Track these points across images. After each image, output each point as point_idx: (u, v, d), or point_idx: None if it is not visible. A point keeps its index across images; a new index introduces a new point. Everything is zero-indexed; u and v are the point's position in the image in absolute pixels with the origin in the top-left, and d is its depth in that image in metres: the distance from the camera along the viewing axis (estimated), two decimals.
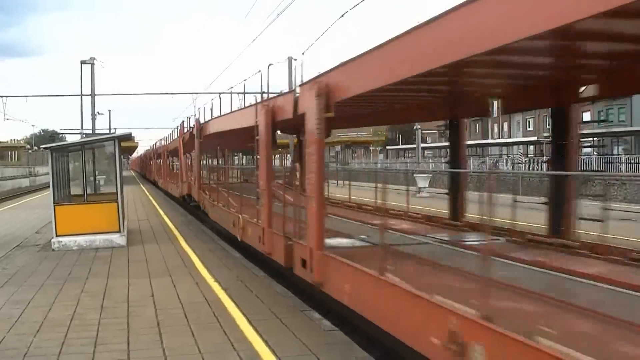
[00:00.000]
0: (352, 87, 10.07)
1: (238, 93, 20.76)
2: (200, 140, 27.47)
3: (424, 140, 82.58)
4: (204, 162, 40.34)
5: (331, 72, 10.60)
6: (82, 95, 47.76)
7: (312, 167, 11.11)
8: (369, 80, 9.36)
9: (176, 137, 40.67)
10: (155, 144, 71.77)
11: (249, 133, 16.99)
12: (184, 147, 35.30)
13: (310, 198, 11.18)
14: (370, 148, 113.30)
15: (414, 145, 66.24)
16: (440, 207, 17.32)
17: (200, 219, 27.83)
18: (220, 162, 42.29)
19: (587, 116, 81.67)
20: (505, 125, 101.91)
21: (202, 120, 27.75)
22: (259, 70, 16.36)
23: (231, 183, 28.85)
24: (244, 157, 63.91)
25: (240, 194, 18.73)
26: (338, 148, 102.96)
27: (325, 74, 10.74)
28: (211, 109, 27.06)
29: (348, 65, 9.91)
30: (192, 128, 29.78)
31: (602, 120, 72.52)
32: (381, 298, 8.59)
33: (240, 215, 17.61)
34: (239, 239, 17.82)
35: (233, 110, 21.86)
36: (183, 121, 37.56)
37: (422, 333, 7.34)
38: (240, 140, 26.60)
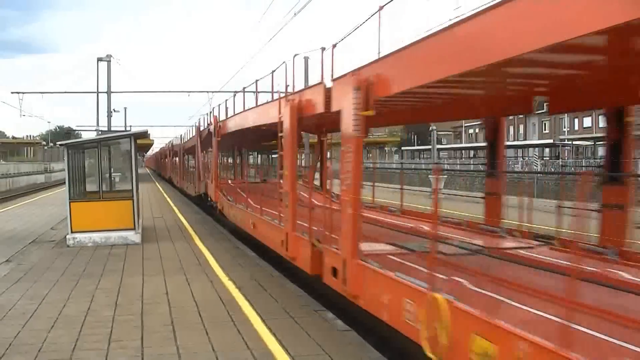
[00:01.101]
0: (396, 82, 9.16)
1: (259, 92, 19.52)
2: (217, 139, 27.31)
3: (439, 142, 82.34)
4: (222, 160, 41.55)
5: (372, 65, 9.64)
6: (98, 92, 47.88)
7: (348, 169, 10.15)
8: (418, 74, 8.54)
9: (193, 134, 40.74)
10: (172, 141, 71.92)
11: (270, 130, 16.64)
12: (201, 145, 35.24)
13: (346, 202, 10.23)
14: (385, 149, 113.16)
15: (429, 147, 66.01)
16: (464, 209, 17.19)
17: (215, 218, 27.83)
18: (239, 160, 42.48)
19: (603, 120, 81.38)
20: (521, 127, 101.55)
21: (220, 117, 27.56)
22: (283, 62, 15.07)
23: (250, 183, 28.13)
24: (260, 156, 64.02)
25: (261, 195, 18.46)
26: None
27: (364, 67, 9.82)
28: (227, 108, 26.91)
29: (393, 57, 8.95)
30: (210, 125, 29.65)
31: None
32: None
33: (260, 217, 17.49)
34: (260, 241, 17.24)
35: (253, 106, 21.22)
36: (200, 118, 37.78)
37: None
38: (260, 138, 25.79)
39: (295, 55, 13.87)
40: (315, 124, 17.02)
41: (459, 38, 7.16)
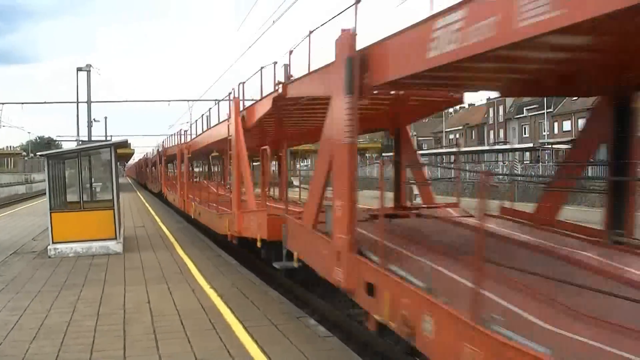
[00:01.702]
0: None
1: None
2: (164, 158, 30.19)
3: (419, 147, 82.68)
4: (168, 169, 52.84)
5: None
6: (78, 102, 47.76)
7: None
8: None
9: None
10: (146, 154, 73.72)
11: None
12: (160, 160, 40.84)
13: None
14: (367, 155, 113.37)
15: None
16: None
17: (196, 226, 27.83)
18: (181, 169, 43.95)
19: (583, 123, 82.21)
20: (501, 131, 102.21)
21: (166, 144, 30.42)
22: (274, 62, 15.63)
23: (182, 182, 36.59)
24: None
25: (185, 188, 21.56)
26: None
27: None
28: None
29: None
30: (160, 151, 34.22)
31: None
32: None
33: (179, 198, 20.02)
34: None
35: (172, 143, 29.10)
36: (161, 141, 40.34)
37: None
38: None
39: (291, 51, 14.11)
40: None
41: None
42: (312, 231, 11.93)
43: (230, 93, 20.63)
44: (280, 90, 14.32)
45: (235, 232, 19.02)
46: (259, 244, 16.14)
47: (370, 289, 8.81)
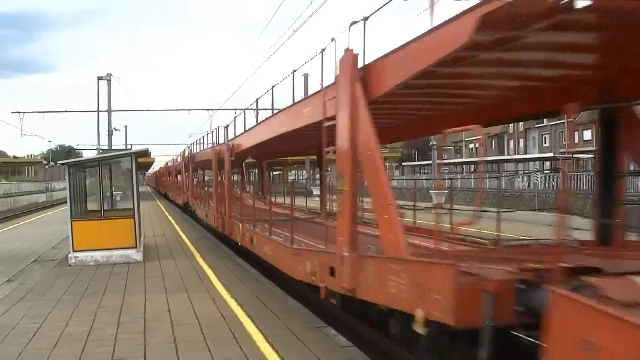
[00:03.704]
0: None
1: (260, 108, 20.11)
2: (192, 165, 29.37)
3: (439, 157, 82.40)
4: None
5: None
6: (98, 111, 48.00)
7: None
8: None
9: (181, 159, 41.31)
10: (167, 163, 71.81)
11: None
12: (185, 169, 39.49)
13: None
14: (386, 164, 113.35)
15: (430, 162, 66.14)
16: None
17: (216, 235, 27.81)
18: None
19: None
20: (522, 141, 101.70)
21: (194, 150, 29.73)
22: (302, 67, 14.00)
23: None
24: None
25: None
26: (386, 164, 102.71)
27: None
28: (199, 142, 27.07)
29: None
30: (187, 156, 34.15)
31: None
32: None
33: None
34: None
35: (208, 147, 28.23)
36: (185, 149, 38.52)
37: None
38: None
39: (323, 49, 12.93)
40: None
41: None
42: None
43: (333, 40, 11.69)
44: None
45: (343, 288, 10.32)
46: (419, 328, 7.71)
47: None
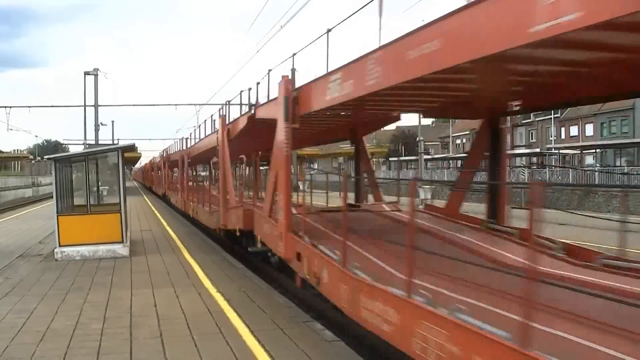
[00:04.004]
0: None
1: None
2: (168, 163, 29.67)
3: (426, 152, 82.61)
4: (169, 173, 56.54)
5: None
6: (85, 106, 47.82)
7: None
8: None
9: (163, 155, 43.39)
10: (152, 159, 73.95)
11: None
12: (164, 165, 44.64)
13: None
14: (373, 159, 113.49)
15: (417, 157, 66.26)
16: None
17: (203, 230, 27.83)
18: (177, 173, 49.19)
19: (589, 128, 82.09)
20: (508, 136, 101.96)
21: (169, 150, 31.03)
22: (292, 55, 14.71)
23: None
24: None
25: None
26: (341, 159, 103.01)
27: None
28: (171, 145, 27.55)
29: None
30: (161, 157, 38.64)
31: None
32: None
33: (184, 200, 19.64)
34: None
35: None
36: (165, 148, 39.85)
37: None
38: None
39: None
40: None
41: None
42: (267, 219, 15.61)
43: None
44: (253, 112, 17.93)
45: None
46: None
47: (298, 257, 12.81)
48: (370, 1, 9.98)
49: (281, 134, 13.67)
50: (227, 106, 24.40)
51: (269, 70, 16.82)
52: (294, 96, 13.19)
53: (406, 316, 7.54)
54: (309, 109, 12.72)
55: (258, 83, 18.76)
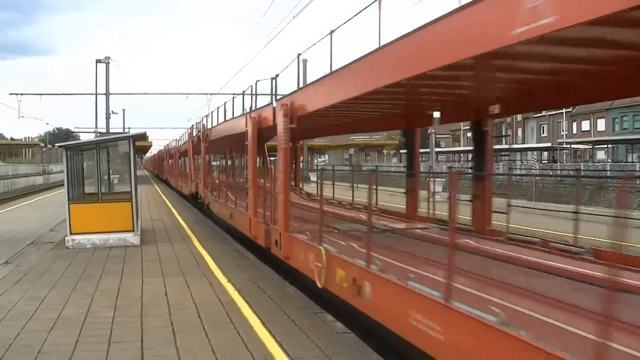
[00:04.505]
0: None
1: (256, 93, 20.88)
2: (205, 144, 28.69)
3: (437, 145, 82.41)
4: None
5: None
6: (96, 94, 47.99)
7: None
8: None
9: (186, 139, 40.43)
10: (167, 145, 69.37)
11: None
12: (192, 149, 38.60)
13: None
14: (384, 151, 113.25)
15: (428, 150, 66.09)
16: None
17: (214, 220, 27.78)
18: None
19: (601, 123, 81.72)
20: (519, 130, 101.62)
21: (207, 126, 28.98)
22: (250, 86, 13.28)
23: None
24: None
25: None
26: (352, 151, 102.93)
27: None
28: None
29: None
30: (199, 133, 32.09)
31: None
32: None
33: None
34: None
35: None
36: (192, 126, 37.51)
37: None
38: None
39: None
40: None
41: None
42: None
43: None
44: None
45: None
46: None
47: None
48: None
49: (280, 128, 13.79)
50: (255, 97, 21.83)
51: (299, 55, 15.63)
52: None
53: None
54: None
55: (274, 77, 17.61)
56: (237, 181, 30.50)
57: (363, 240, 11.07)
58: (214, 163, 44.24)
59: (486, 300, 7.46)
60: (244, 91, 24.02)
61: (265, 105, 18.33)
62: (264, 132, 18.56)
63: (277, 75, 18.75)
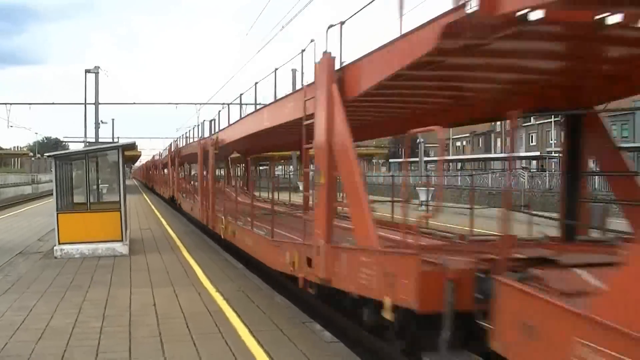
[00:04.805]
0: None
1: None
2: (179, 159, 28.52)
3: (426, 154, 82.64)
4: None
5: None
6: (86, 103, 47.93)
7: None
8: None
9: (167, 154, 41.24)
10: (153, 157, 71.99)
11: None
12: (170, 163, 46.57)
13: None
14: (373, 161, 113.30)
15: (417, 159, 66.36)
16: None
17: (203, 229, 27.75)
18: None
19: None
20: (508, 139, 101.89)
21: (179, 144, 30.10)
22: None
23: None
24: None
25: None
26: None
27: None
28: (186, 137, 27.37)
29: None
30: (172, 151, 36.93)
31: None
32: None
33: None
34: None
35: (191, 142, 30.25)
36: (171, 143, 38.17)
37: None
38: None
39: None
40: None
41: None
42: None
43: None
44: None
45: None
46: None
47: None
48: None
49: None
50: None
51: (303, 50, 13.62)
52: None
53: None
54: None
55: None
56: (195, 186, 33.22)
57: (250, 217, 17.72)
58: (185, 173, 49.37)
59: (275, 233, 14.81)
60: (204, 121, 32.17)
61: (207, 137, 27.65)
62: (207, 153, 25.65)
63: (229, 104, 26.21)
